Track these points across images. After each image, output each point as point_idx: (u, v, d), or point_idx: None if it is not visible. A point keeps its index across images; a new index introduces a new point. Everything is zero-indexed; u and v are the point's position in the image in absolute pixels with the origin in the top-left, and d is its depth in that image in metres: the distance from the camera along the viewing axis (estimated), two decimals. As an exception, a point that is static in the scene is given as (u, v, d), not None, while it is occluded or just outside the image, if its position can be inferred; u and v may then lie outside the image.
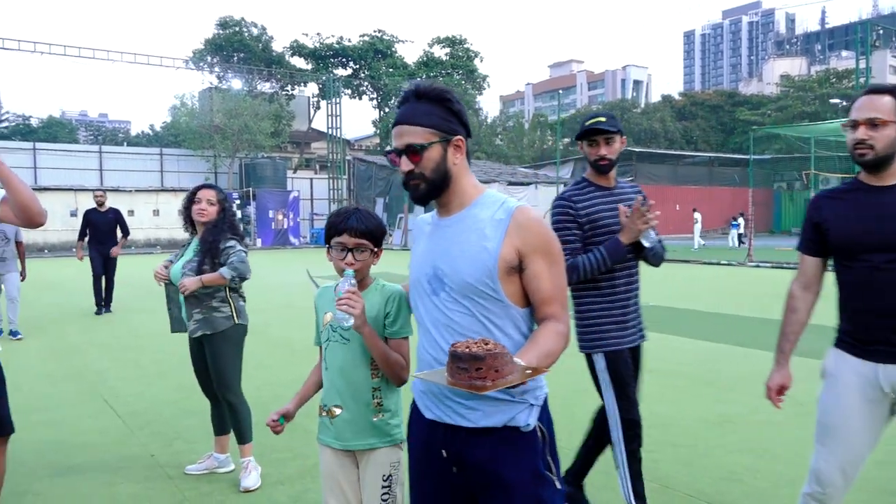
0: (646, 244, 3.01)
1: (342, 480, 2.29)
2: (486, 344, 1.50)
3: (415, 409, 1.92)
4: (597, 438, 3.33)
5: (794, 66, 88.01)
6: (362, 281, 2.26)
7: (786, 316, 2.64)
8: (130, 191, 31.87)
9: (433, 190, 1.78)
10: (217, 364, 3.81)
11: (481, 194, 1.83)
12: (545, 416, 1.81)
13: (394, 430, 2.29)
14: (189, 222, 3.91)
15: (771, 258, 20.95)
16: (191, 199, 3.86)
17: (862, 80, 26.61)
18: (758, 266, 19.03)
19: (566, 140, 57.00)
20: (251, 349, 7.31)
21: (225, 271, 3.71)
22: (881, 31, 33.46)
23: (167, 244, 31.59)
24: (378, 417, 2.26)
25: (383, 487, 2.25)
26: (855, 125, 2.35)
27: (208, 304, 3.78)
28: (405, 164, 1.75)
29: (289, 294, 13.08)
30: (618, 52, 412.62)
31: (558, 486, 1.78)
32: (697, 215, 29.56)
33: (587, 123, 3.06)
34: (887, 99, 2.31)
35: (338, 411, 2.26)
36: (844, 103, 49.36)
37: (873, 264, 2.36)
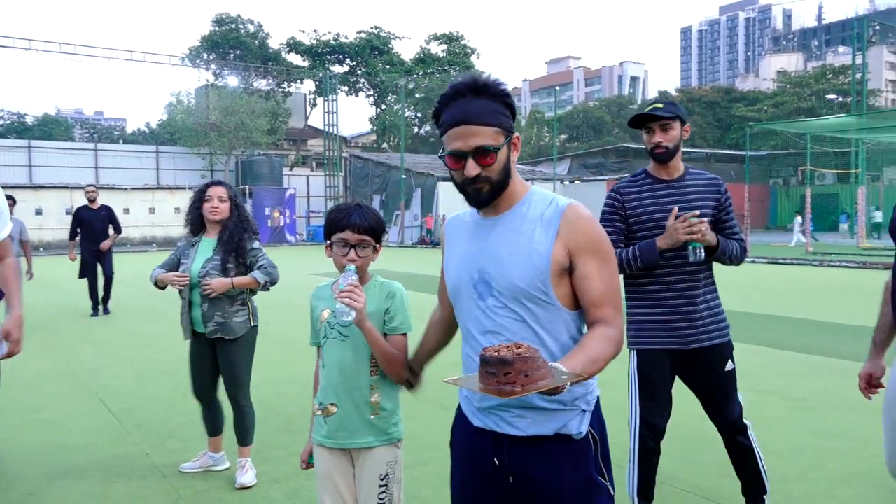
0: (690, 258, 2.81)
1: (338, 480, 2.27)
2: (518, 348, 1.47)
3: (460, 415, 1.87)
4: (730, 447, 3.11)
5: (791, 61, 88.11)
6: (361, 277, 2.23)
7: (881, 307, 2.60)
8: (126, 189, 31.81)
9: (497, 192, 1.69)
10: (233, 367, 3.77)
11: (528, 191, 1.75)
12: (596, 419, 1.75)
13: (391, 428, 2.27)
14: (197, 221, 3.80)
15: (767, 254, 21.01)
16: (201, 197, 3.76)
17: (858, 75, 26.63)
18: (754, 262, 19.06)
19: (563, 136, 57.00)
20: (247, 347, 7.31)
21: (259, 276, 3.67)
22: (878, 27, 33.50)
23: (163, 242, 31.52)
24: (375, 415, 2.24)
25: (380, 486, 2.23)
26: None
27: (230, 308, 3.71)
28: (472, 168, 1.63)
29: (288, 292, 13.02)
30: (615, 48, 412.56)
31: (611, 492, 1.73)
32: None
33: (645, 111, 2.96)
34: None
35: (334, 409, 2.24)
36: (840, 99, 49.46)
37: None
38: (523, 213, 1.71)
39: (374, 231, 2.21)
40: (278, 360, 7.02)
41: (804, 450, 4.22)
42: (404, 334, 2.24)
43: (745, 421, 3.05)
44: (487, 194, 1.68)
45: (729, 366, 3.01)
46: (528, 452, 1.69)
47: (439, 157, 1.73)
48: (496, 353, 1.45)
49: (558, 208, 1.68)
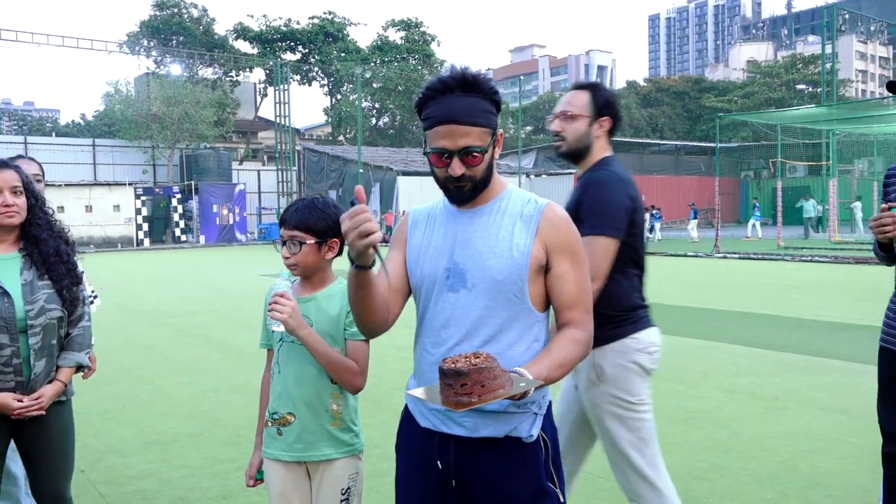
0: None
1: (293, 498, 2.22)
2: (476, 357, 1.50)
3: (407, 416, 1.88)
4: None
5: (761, 51, 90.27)
6: (323, 278, 2.23)
7: None
8: (60, 185, 31.03)
9: (479, 190, 1.74)
10: (66, 441, 2.64)
11: (505, 188, 1.81)
12: (548, 423, 1.79)
13: (353, 439, 2.24)
14: None
15: (738, 249, 21.42)
16: None
17: (828, 65, 27.37)
18: (725, 257, 19.45)
19: (528, 128, 57.38)
20: (195, 353, 7.18)
21: (82, 358, 2.63)
22: (847, 16, 34.46)
23: (101, 242, 30.84)
24: (335, 425, 2.20)
25: (342, 502, 2.20)
26: None
27: (57, 352, 2.60)
28: (458, 168, 1.67)
29: (235, 295, 12.89)
30: (581, 36, 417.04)
31: (561, 499, 1.76)
32: None
33: None
34: None
35: (291, 419, 2.19)
36: (811, 89, 50.81)
37: None
38: (502, 208, 1.76)
39: (309, 226, 2.17)
40: (224, 367, 6.90)
41: (776, 450, 4.31)
42: (365, 340, 2.19)
43: None
44: (469, 192, 1.73)
45: None
46: (475, 454, 1.71)
47: (424, 153, 1.75)
48: (453, 365, 1.48)
49: (538, 206, 1.75)
